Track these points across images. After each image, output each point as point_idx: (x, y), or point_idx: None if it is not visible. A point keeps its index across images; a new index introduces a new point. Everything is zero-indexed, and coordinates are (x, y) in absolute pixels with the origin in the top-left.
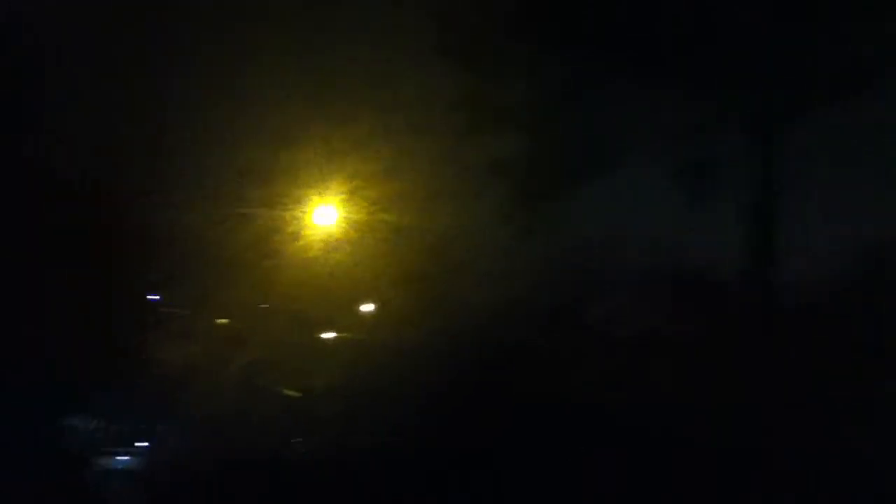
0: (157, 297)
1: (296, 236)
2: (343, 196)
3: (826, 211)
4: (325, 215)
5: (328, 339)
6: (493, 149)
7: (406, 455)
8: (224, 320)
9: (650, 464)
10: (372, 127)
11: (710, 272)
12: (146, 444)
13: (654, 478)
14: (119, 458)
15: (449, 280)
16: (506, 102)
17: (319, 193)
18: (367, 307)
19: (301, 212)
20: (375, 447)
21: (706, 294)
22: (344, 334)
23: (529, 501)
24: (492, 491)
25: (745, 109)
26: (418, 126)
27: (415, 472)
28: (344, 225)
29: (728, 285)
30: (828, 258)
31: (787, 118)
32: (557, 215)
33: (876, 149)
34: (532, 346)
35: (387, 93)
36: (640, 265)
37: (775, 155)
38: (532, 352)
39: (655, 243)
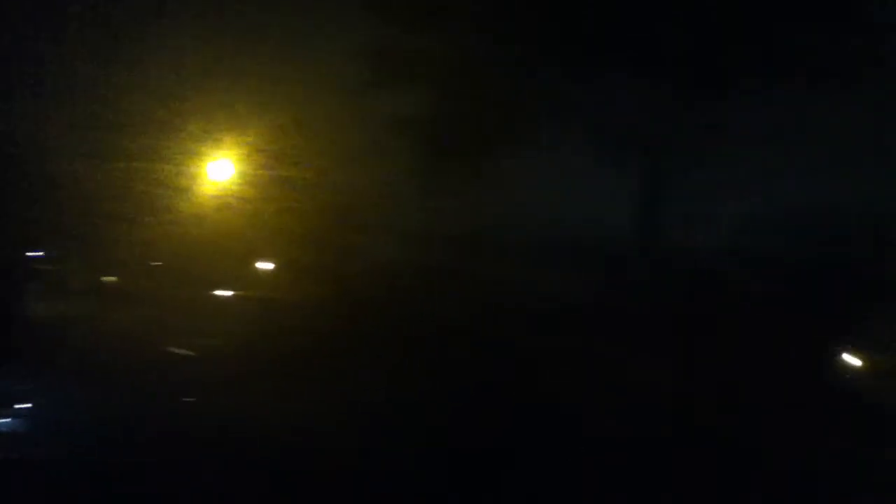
0: (40, 253)
1: (189, 191)
2: (240, 151)
3: (726, 184)
4: (220, 170)
5: (223, 298)
6: (401, 104)
7: (302, 415)
8: (112, 277)
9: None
10: (272, 79)
11: (610, 238)
12: (28, 405)
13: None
14: None
15: (349, 238)
16: (416, 54)
17: (215, 148)
18: (265, 265)
19: (195, 166)
20: (272, 407)
21: (608, 260)
22: (240, 292)
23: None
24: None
25: (656, 81)
26: (321, 78)
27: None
28: (240, 180)
29: (627, 252)
30: (725, 229)
31: (699, 91)
32: (464, 176)
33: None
34: (430, 306)
35: (288, 43)
36: (544, 231)
37: (682, 126)
38: (432, 311)
39: (561, 209)
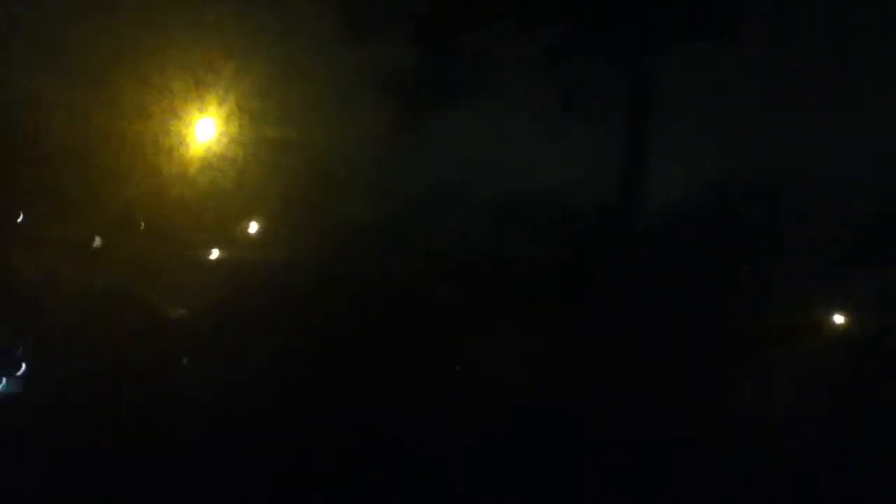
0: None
1: (172, 151)
2: (222, 110)
3: (687, 141)
4: (204, 130)
5: (208, 258)
6: (377, 61)
7: (289, 370)
8: (96, 237)
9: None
10: (252, 39)
11: (574, 195)
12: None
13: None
14: None
15: (331, 195)
16: (390, 11)
17: (198, 108)
18: (250, 224)
19: (178, 125)
20: (258, 365)
21: (570, 216)
22: (224, 252)
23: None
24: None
25: (618, 38)
26: (298, 37)
27: (297, 388)
28: (224, 140)
29: (589, 208)
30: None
31: (658, 49)
32: (438, 131)
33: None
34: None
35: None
36: (510, 186)
37: (645, 84)
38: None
39: (525, 165)
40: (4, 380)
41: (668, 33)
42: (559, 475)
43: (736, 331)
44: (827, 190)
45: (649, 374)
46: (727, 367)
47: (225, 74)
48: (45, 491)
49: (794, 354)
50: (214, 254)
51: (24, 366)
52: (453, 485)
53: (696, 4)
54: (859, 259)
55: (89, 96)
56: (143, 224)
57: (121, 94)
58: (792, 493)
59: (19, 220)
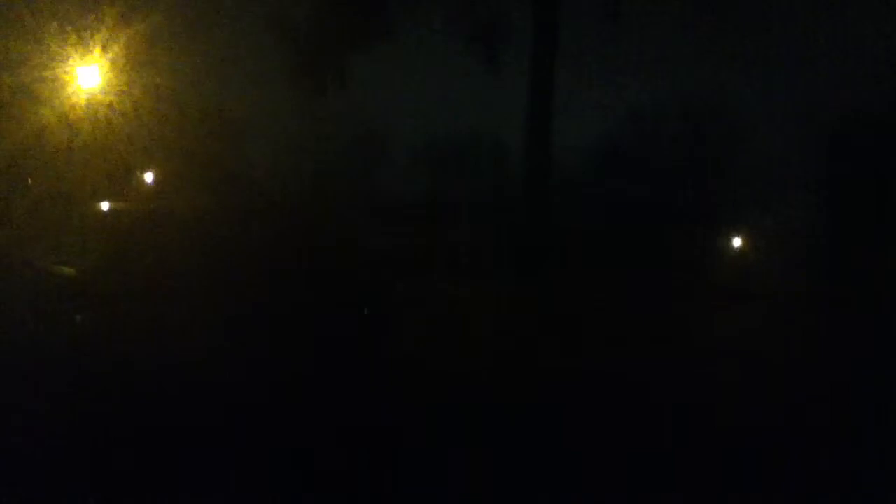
0: None
1: (57, 101)
2: (109, 58)
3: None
4: (90, 78)
5: (99, 211)
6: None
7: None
8: None
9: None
10: None
11: (488, 136)
12: None
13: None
14: None
15: (225, 144)
16: None
17: (83, 55)
18: (141, 175)
19: (64, 75)
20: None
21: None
22: (116, 205)
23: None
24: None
25: None
26: None
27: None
28: (111, 89)
29: (507, 149)
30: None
31: None
32: (341, 78)
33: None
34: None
35: None
36: (422, 130)
37: (553, 22)
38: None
39: (437, 108)
40: None
41: None
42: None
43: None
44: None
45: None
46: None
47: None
48: None
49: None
50: (104, 206)
51: None
52: None
53: None
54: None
55: None
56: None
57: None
58: None
59: None
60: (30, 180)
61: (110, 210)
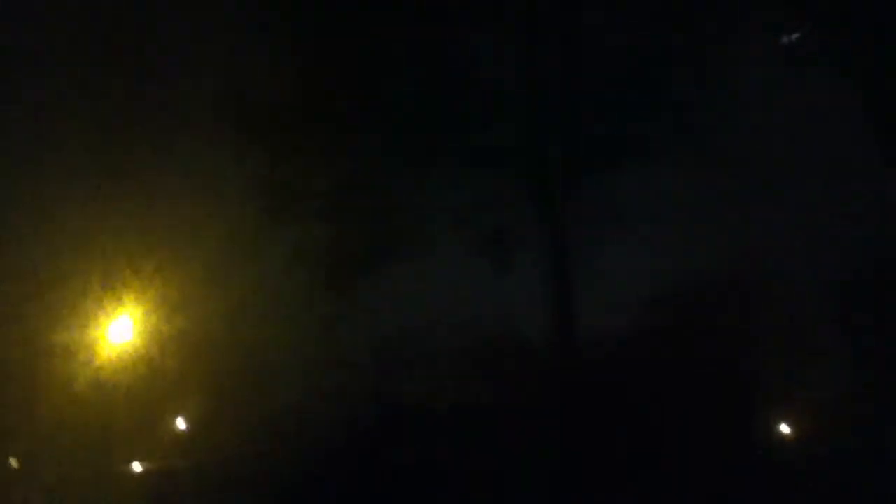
0: None
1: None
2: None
3: (615, 266)
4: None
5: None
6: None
7: None
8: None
9: None
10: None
11: (514, 338)
12: None
13: None
14: None
15: (257, 383)
16: (304, 188)
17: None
18: (176, 425)
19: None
20: None
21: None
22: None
23: None
24: None
25: (530, 180)
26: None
27: None
28: (140, 338)
29: (533, 349)
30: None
31: (569, 185)
32: (364, 300)
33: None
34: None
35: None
36: (450, 341)
37: (563, 219)
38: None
39: (463, 318)
40: None
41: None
42: None
43: None
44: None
45: None
46: None
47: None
48: None
49: None
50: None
51: None
52: None
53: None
54: None
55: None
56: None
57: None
58: None
59: None
60: None
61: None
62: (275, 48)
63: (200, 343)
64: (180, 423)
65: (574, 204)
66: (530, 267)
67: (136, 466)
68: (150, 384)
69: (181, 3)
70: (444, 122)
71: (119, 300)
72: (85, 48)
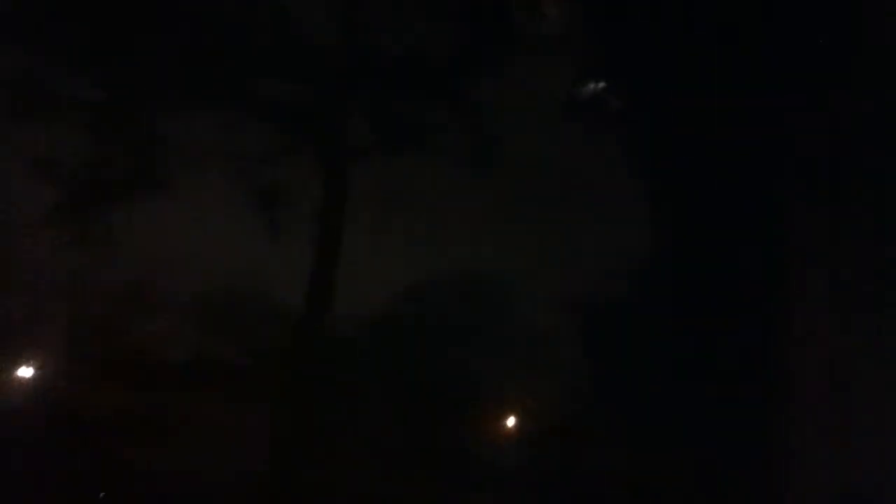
0: None
1: None
2: None
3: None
4: None
5: None
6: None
7: None
8: None
9: None
10: None
11: (264, 301)
12: None
13: None
14: None
15: None
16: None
17: None
18: None
19: None
20: None
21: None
22: None
23: None
24: None
25: (319, 145)
26: None
27: None
28: None
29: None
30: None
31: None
32: (113, 225)
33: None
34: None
35: None
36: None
37: (344, 193)
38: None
39: (217, 264)
40: None
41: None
42: None
43: None
44: None
45: None
46: None
47: None
48: None
49: None
50: None
51: None
52: None
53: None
54: None
55: None
56: None
57: None
58: None
59: None
60: None
61: None
62: None
63: None
64: None
65: (360, 180)
66: (297, 234)
67: None
68: None
69: None
70: (244, 65)
71: None
72: None
